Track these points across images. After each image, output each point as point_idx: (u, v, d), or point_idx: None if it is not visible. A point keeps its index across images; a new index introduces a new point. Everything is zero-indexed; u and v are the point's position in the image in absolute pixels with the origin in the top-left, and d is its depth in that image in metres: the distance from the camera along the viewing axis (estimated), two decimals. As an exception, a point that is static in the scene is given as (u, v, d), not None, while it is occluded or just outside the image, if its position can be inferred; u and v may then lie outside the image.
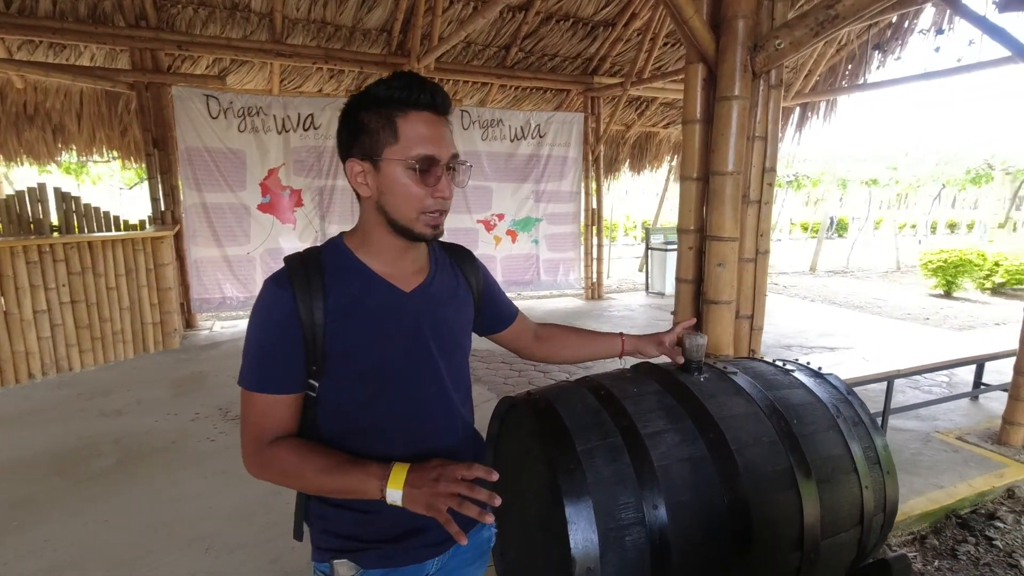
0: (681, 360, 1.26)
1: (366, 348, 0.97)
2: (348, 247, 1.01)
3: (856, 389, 3.32)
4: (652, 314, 7.12)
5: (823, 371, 1.38)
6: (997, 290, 8.86)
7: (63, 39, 5.12)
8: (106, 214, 5.44)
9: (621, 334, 1.30)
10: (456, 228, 6.88)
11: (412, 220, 0.95)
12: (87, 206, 5.29)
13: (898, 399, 3.50)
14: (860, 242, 13.08)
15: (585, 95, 7.41)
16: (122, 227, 5.46)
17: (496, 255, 7.18)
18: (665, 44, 6.96)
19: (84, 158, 6.74)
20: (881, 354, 3.59)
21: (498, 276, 7.20)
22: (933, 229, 19.45)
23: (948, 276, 8.46)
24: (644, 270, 8.82)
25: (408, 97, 0.91)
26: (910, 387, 4.26)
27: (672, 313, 2.21)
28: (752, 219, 1.98)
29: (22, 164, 6.47)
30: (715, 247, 1.92)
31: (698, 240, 2.06)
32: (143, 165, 5.86)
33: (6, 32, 4.90)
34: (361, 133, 0.93)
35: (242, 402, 0.94)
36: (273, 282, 0.95)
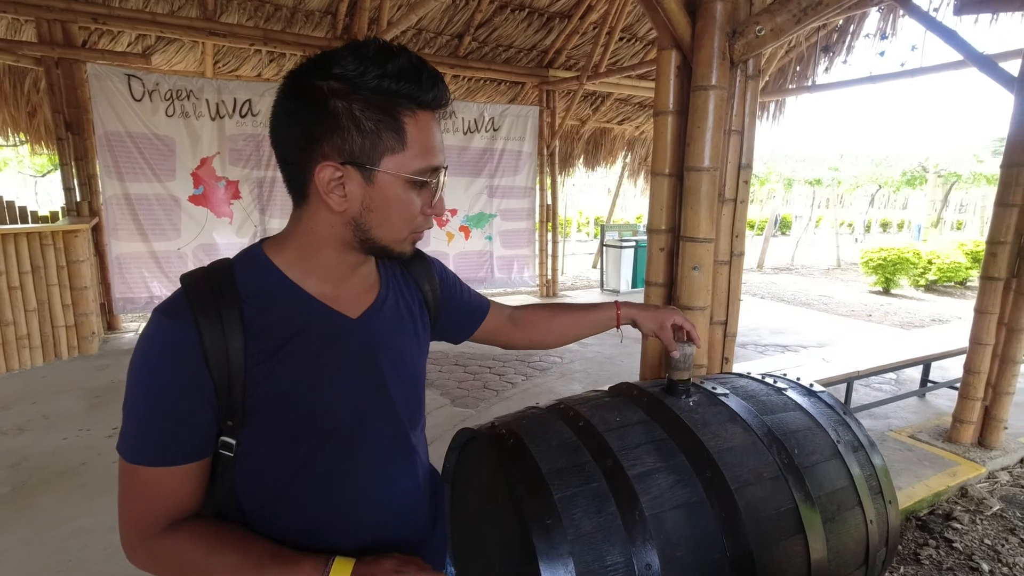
0: (677, 354, 1.10)
1: (301, 396, 0.75)
2: (274, 263, 0.78)
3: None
4: (608, 312, 7.05)
5: (815, 388, 1.25)
6: (930, 287, 9.31)
7: (-45, 6, 4.52)
8: (10, 204, 4.91)
9: (616, 303, 1.14)
10: (407, 223, 6.59)
11: (400, 241, 0.77)
12: (-12, 196, 4.74)
13: (853, 398, 3.51)
14: (803, 240, 13.55)
15: (540, 88, 7.25)
16: (29, 219, 4.92)
17: (449, 252, 6.93)
18: (621, 39, 6.88)
19: (-14, 142, 6.05)
20: (837, 354, 3.60)
21: (451, 273, 6.96)
22: (868, 228, 20.46)
23: (887, 274, 8.81)
24: (599, 267, 8.77)
25: (418, 92, 0.70)
26: (861, 385, 4.32)
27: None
28: (727, 219, 1.84)
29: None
30: (689, 248, 1.78)
31: (670, 241, 1.91)
32: (55, 150, 5.28)
33: None
34: (344, 129, 0.69)
35: (121, 476, 0.71)
36: (166, 314, 0.70)
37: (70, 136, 5.05)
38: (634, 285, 8.33)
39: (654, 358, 1.99)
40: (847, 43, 6.60)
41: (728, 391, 1.14)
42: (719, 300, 1.89)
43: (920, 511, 2.75)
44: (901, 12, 5.67)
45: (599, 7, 6.43)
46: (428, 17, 6.08)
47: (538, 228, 7.56)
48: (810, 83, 7.08)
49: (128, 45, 5.59)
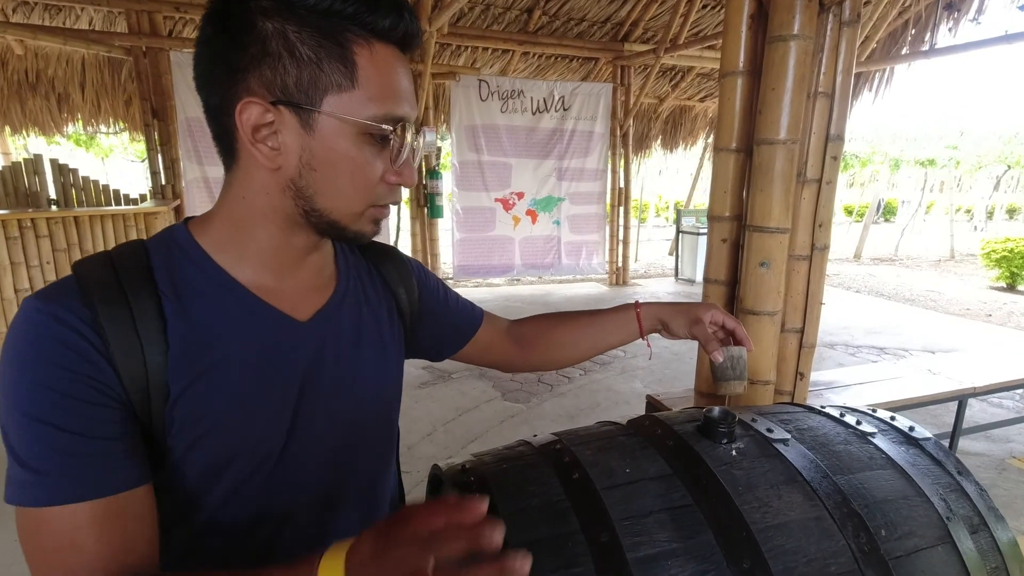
0: (719, 356, 0.85)
1: (230, 416, 0.59)
2: (201, 246, 0.61)
3: (921, 408, 2.82)
4: (680, 303, 6.60)
5: (917, 433, 0.93)
6: (1069, 284, 7.99)
7: (57, 0, 4.83)
8: (105, 187, 5.21)
9: (636, 304, 0.91)
10: (471, 207, 6.46)
11: (355, 215, 0.59)
12: (86, 179, 5.08)
13: (966, 415, 2.97)
14: (911, 228, 12.14)
15: (614, 64, 6.81)
16: (121, 201, 5.23)
17: (515, 236, 6.74)
18: (704, 6, 6.29)
19: (91, 129, 6.52)
20: (947, 363, 3.05)
21: (516, 259, 6.78)
22: (990, 215, 18.07)
23: (1013, 267, 7.66)
24: (674, 254, 8.26)
25: (372, 16, 0.54)
26: (977, 400, 3.70)
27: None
28: (808, 204, 1.50)
29: (28, 135, 6.28)
30: (757, 240, 1.46)
31: (734, 230, 1.59)
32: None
33: (-3, -7, 4.63)
34: (274, 56, 0.54)
35: (27, 532, 0.51)
36: (47, 301, 0.53)
37: (156, 122, 5.31)
38: (712, 275, 7.76)
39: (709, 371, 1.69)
40: (977, -1, 5.66)
41: (789, 435, 0.86)
42: (794, 304, 1.56)
43: (1052, 564, 2.25)
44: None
45: (680, -28, 5.89)
46: (496, -9, 5.84)
47: (609, 212, 7.18)
48: (927, 47, 6.16)
49: (208, 33, 5.78)
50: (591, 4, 6.21)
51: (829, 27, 1.38)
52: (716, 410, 0.85)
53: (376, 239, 0.70)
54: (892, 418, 0.98)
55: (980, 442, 3.16)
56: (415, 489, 2.57)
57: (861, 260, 10.66)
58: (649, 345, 0.96)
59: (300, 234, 0.62)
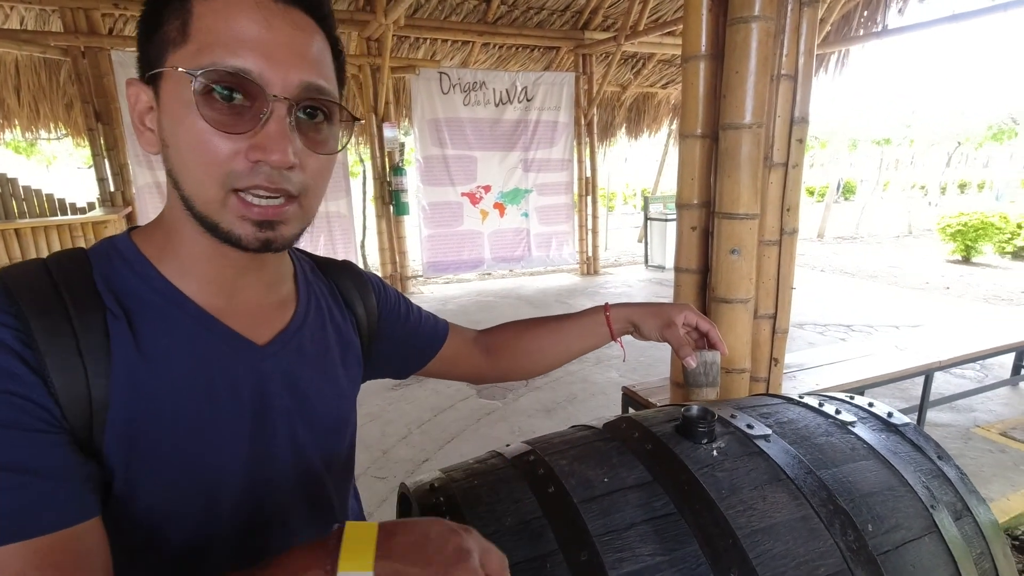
0: (692, 362, 0.81)
1: (181, 450, 0.52)
2: (146, 257, 0.54)
3: (890, 384, 2.87)
4: (652, 290, 6.65)
5: (896, 419, 0.91)
6: (1018, 254, 8.33)
7: (-17, 0, 4.53)
8: (48, 197, 4.94)
9: (605, 306, 0.87)
10: (438, 203, 6.36)
11: (212, 202, 0.50)
12: (27, 188, 4.79)
13: (936, 388, 3.05)
14: (870, 206, 12.49)
15: (576, 52, 6.77)
16: (68, 211, 4.97)
17: (483, 230, 6.66)
18: (663, -8, 6.30)
19: (30, 135, 6.19)
20: (910, 338, 3.12)
21: (486, 254, 6.71)
22: (943, 190, 18.74)
23: (968, 240, 7.94)
24: (643, 241, 8.30)
25: None
26: (941, 372, 3.81)
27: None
28: (776, 188, 1.48)
29: (-38, 144, 5.93)
30: (727, 227, 1.43)
31: (703, 217, 1.56)
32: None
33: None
34: (143, 32, 0.51)
35: None
36: None
37: (100, 126, 5.05)
38: (681, 260, 7.84)
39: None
40: (925, -21, 5.79)
41: (769, 430, 0.83)
42: (766, 289, 1.54)
43: (1018, 529, 2.32)
44: (993, -63, 4.88)
45: (637, -42, 5.87)
46: (453, -19, 5.72)
47: (577, 202, 7.17)
48: (880, 28, 6.29)
49: (152, 30, 5.52)
50: (550, -8, 6.14)
51: (789, 8, 1.35)
52: (695, 408, 0.81)
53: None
54: (870, 404, 0.96)
55: (946, 413, 3.25)
56: (391, 496, 2.50)
57: (824, 239, 10.92)
58: (622, 347, 0.92)
59: (211, 239, 0.53)
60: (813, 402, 0.94)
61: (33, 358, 0.46)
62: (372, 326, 0.75)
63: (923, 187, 19.64)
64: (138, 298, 0.53)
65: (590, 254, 7.35)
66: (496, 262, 6.81)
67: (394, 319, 0.78)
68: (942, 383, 3.58)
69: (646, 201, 8.26)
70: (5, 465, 0.43)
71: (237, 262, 0.56)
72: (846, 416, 0.90)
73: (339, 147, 0.56)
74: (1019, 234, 8.13)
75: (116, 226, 4.76)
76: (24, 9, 4.94)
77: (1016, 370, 3.51)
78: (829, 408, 0.92)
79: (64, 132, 6.24)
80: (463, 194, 6.49)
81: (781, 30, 1.38)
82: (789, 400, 0.97)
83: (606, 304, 0.87)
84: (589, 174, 7.12)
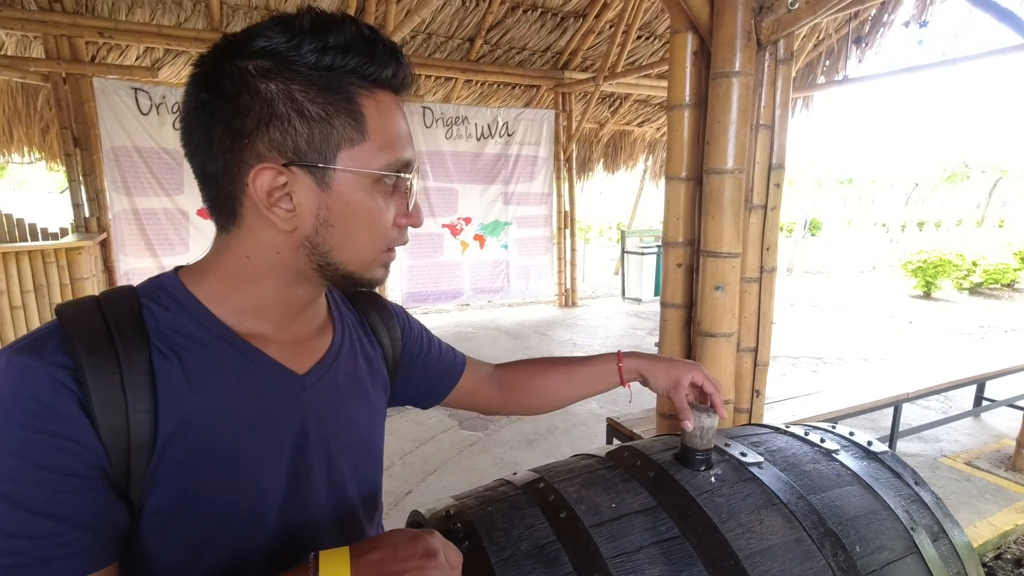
0: (689, 426, 0.84)
1: (222, 479, 0.54)
2: (196, 296, 0.57)
3: (861, 415, 2.98)
4: (629, 322, 6.76)
5: (874, 448, 0.98)
6: (975, 290, 8.74)
7: (-36, 24, 4.50)
8: (20, 222, 4.86)
9: (618, 354, 0.90)
10: (419, 234, 6.39)
11: (369, 263, 0.58)
12: (-3, 213, 4.70)
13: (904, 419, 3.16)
14: (836, 242, 12.98)
15: (556, 91, 7.01)
16: (39, 236, 4.87)
17: (463, 262, 6.72)
18: (639, 37, 6.60)
19: (2, 158, 6.07)
20: (879, 371, 3.25)
21: (466, 284, 6.75)
22: (903, 228, 19.60)
23: (928, 276, 8.30)
24: (620, 274, 8.46)
25: (373, 67, 0.54)
26: (908, 404, 3.95)
27: (656, 345, 1.79)
28: (756, 229, 1.57)
29: (-70, 166, 5.79)
30: (711, 265, 1.51)
31: (688, 255, 1.65)
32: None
33: None
34: (282, 118, 0.52)
35: None
36: (26, 354, 0.48)
37: (78, 152, 4.99)
38: (656, 293, 7.99)
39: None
40: (881, 33, 6.21)
41: (761, 458, 0.88)
42: (747, 324, 1.62)
43: (985, 555, 2.40)
44: (941, -3, 5.28)
45: (615, 5, 6.16)
46: (438, 21, 5.91)
47: (556, 235, 7.30)
48: (841, 77, 6.68)
49: (136, 59, 5.54)
50: (531, 34, 6.38)
51: (767, 64, 1.47)
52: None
53: None
54: (851, 434, 1.03)
55: (914, 443, 3.37)
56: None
57: (793, 273, 11.28)
58: (630, 390, 0.96)
59: (306, 287, 0.61)
60: (799, 431, 1.00)
61: (83, 396, 0.48)
62: (396, 357, 0.78)
63: (884, 225, 20.49)
64: (187, 335, 0.55)
65: (568, 286, 7.46)
66: (475, 293, 6.85)
67: (416, 351, 0.82)
68: (909, 414, 3.72)
69: (623, 235, 8.45)
70: (46, 512, 0.46)
71: (303, 303, 0.62)
72: (830, 444, 0.96)
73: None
74: (974, 271, 8.55)
75: (91, 252, 4.66)
76: (5, 35, 4.92)
77: (978, 401, 3.67)
78: (814, 437, 0.98)
79: (38, 156, 6.15)
80: (444, 225, 6.56)
81: (759, 83, 1.49)
82: (776, 430, 1.02)
83: (619, 352, 0.91)
84: (568, 208, 7.29)
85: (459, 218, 6.63)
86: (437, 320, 6.75)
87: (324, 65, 0.52)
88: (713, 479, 0.82)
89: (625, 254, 8.13)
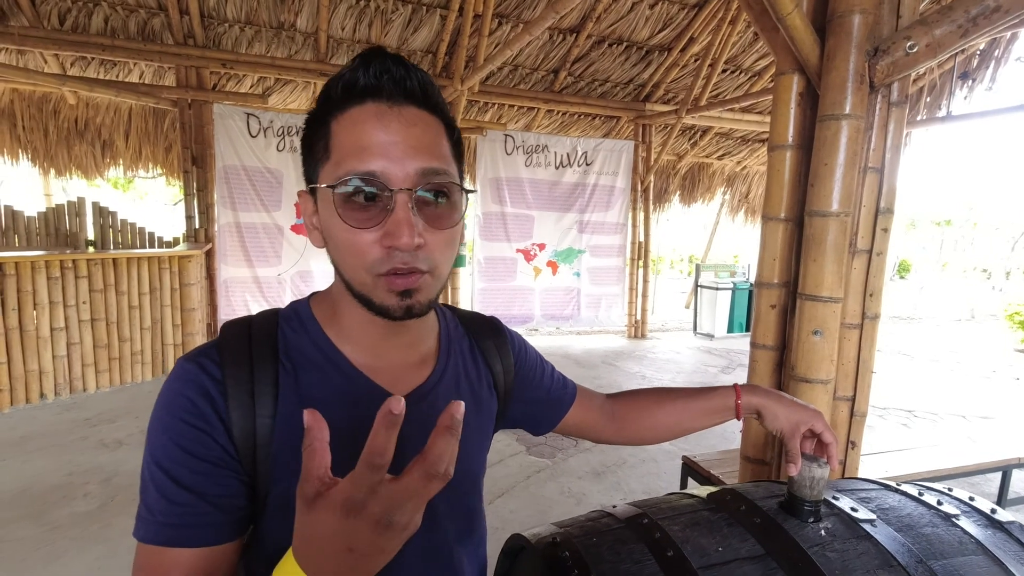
0: (794, 471, 0.82)
1: None
2: (316, 319, 0.66)
3: (961, 478, 2.74)
4: (700, 358, 6.55)
5: (999, 516, 0.92)
6: (1096, 349, 7.84)
7: (113, 56, 5.13)
8: (141, 230, 5.36)
9: (736, 387, 0.90)
10: (493, 257, 6.55)
11: (365, 284, 0.59)
12: (124, 221, 5.23)
13: (1013, 487, 2.88)
14: (928, 286, 12.06)
15: (636, 122, 7.03)
16: (156, 244, 5.37)
17: (535, 287, 6.79)
18: (724, 71, 6.54)
19: (131, 173, 6.78)
20: (985, 431, 2.98)
21: (536, 310, 6.80)
22: (1008, 276, 17.94)
23: (1039, 331, 7.54)
24: (692, 308, 8.24)
25: (344, 85, 0.58)
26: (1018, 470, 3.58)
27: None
28: (859, 274, 1.52)
29: (71, 177, 6.54)
30: (810, 308, 1.48)
31: (783, 296, 1.61)
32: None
33: (59, 48, 4.94)
34: (303, 152, 0.64)
35: (136, 563, 0.57)
36: (192, 363, 0.60)
37: (195, 169, 5.53)
38: (729, 330, 7.72)
39: (759, 434, 1.68)
40: (991, 68, 5.83)
41: (874, 514, 0.85)
42: (845, 372, 1.56)
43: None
44: (1065, 32, 4.91)
45: (702, 39, 6.15)
46: (525, 53, 6.11)
47: (629, 265, 7.24)
48: (944, 113, 6.30)
49: (250, 87, 6.07)
50: (615, 67, 6.47)
51: (878, 107, 1.44)
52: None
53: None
54: (971, 499, 0.97)
55: (1022, 515, 3.05)
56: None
57: (879, 317, 10.57)
58: (742, 423, 0.96)
59: (364, 310, 0.63)
60: (912, 491, 0.96)
61: (223, 402, 0.59)
62: (509, 384, 0.81)
63: (986, 270, 18.85)
64: (305, 355, 0.64)
65: (638, 317, 7.35)
66: (545, 319, 6.89)
67: (529, 380, 0.84)
68: (1018, 483, 3.37)
69: (697, 269, 8.26)
70: (187, 486, 0.56)
71: (384, 328, 0.65)
72: (949, 508, 0.91)
73: (459, 219, 0.62)
74: (1097, 328, 7.69)
75: (198, 260, 5.11)
76: (144, 65, 5.55)
77: (1103, 475, 3.28)
78: (930, 498, 0.94)
79: (159, 172, 6.82)
80: (518, 250, 6.67)
81: (870, 126, 1.46)
82: (886, 487, 0.98)
83: (736, 385, 0.91)
84: (642, 239, 7.22)
85: (534, 244, 6.72)
86: (505, 343, 6.81)
87: (322, 96, 0.60)
88: (823, 532, 0.81)
89: (699, 288, 7.93)
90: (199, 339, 5.14)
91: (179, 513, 0.56)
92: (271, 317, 0.66)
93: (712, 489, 0.93)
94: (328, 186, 0.57)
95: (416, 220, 0.56)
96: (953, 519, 0.89)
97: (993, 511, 0.94)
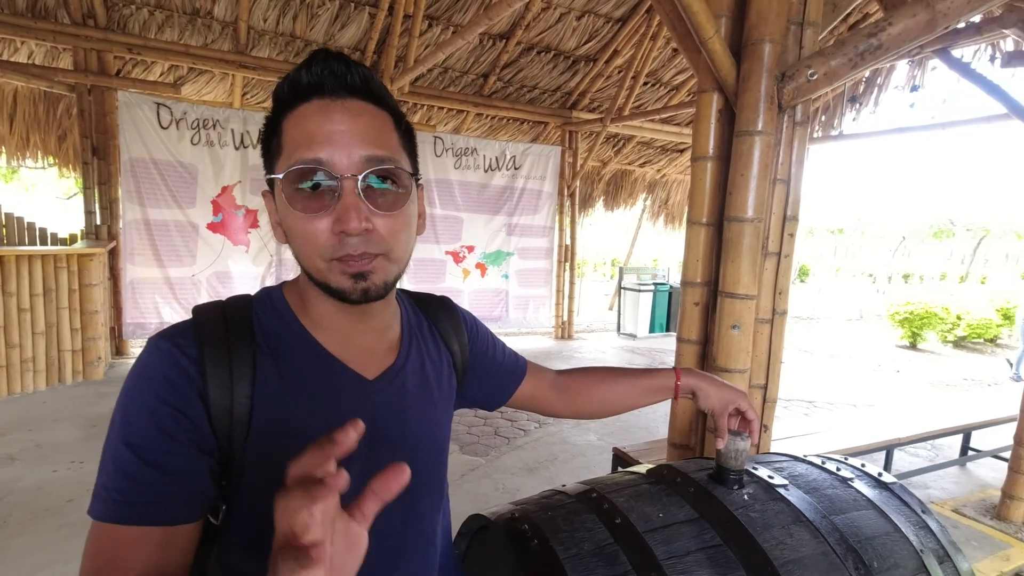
0: (721, 444, 0.93)
1: None
2: (289, 305, 0.68)
3: (853, 458, 3.08)
4: (625, 357, 6.85)
5: (885, 478, 1.08)
6: (959, 343, 8.97)
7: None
8: (30, 226, 4.88)
9: (676, 370, 0.98)
10: (423, 259, 6.52)
11: (321, 270, 0.62)
12: (9, 216, 4.73)
13: (895, 464, 3.26)
14: (825, 289, 13.26)
15: (563, 128, 7.25)
16: (48, 241, 4.90)
17: (464, 289, 6.82)
18: (646, 83, 6.89)
19: (15, 162, 6.14)
20: (871, 416, 3.36)
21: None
22: (889, 279, 20.09)
23: (914, 328, 8.51)
24: (616, 309, 8.59)
25: (290, 85, 0.61)
26: (897, 449, 4.05)
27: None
28: (770, 274, 1.70)
29: (-58, 166, 5.83)
30: (728, 305, 1.63)
31: (706, 295, 1.76)
32: (80, 174, 5.33)
33: (-70, 20, 4.41)
34: (263, 155, 0.67)
35: (89, 540, 0.56)
36: (168, 340, 0.60)
37: (95, 161, 5.10)
38: (651, 330, 8.12)
39: (684, 422, 1.82)
40: (875, 94, 6.54)
41: (786, 480, 0.98)
42: (759, 362, 1.73)
43: (973, 601, 2.47)
44: (932, 65, 5.60)
45: (625, 52, 6.46)
46: (455, 56, 6.15)
47: (556, 268, 7.44)
48: (836, 132, 6.99)
49: (160, 75, 5.69)
50: (543, 74, 6.64)
51: (785, 125, 1.61)
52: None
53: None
54: (863, 465, 1.13)
55: (902, 489, 3.46)
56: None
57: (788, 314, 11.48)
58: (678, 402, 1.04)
59: (326, 297, 0.65)
60: (816, 460, 1.10)
61: (200, 382, 0.60)
62: (465, 361, 0.85)
63: (871, 275, 20.97)
64: (281, 339, 0.67)
65: (565, 319, 7.57)
66: (475, 320, 6.92)
67: (483, 356, 0.89)
68: (897, 460, 3.82)
69: (620, 271, 8.62)
70: (154, 464, 0.57)
71: (350, 315, 0.68)
72: (845, 473, 1.06)
73: (406, 203, 0.64)
74: (959, 324, 8.78)
75: (101, 259, 4.72)
76: (35, 45, 5.06)
77: (964, 451, 3.78)
78: (831, 466, 1.08)
79: (52, 162, 6.22)
80: (447, 252, 6.68)
81: (778, 142, 1.63)
82: (795, 458, 1.12)
83: (676, 368, 1.00)
84: (568, 242, 7.45)
85: (463, 246, 6.76)
86: (435, 345, 6.80)
87: (274, 95, 0.63)
88: (746, 496, 0.92)
89: (622, 290, 8.28)
90: (102, 344, 4.75)
91: (139, 491, 0.56)
92: (244, 301, 0.68)
93: (651, 465, 1.02)
94: (280, 177, 0.60)
95: (364, 206, 0.59)
96: (849, 482, 1.03)
97: (880, 475, 1.09)
